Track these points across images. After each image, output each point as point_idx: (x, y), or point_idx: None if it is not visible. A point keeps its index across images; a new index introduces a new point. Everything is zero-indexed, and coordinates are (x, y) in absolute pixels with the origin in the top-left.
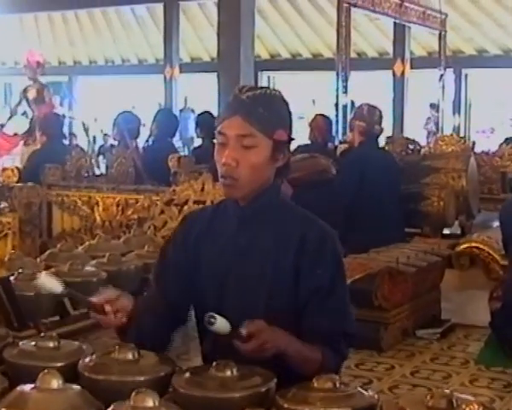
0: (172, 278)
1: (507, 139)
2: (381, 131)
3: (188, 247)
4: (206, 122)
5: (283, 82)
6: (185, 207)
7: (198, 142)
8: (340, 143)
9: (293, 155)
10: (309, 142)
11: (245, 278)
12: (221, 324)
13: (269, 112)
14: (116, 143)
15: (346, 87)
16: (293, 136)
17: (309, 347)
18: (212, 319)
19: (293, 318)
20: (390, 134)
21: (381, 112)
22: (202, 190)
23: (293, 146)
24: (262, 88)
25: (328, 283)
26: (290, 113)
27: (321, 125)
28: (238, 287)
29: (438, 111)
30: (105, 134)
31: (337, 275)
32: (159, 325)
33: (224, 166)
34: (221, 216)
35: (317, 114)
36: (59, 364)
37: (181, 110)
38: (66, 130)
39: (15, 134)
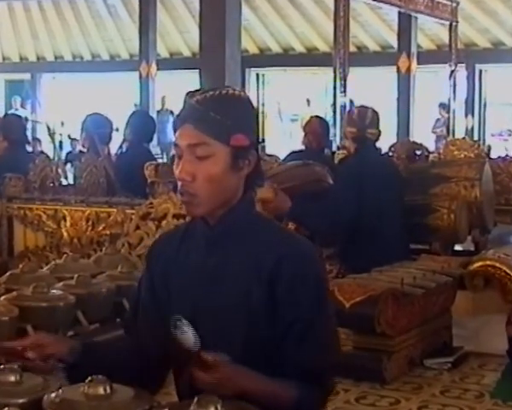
0: (143, 319)
1: None
2: (378, 134)
3: (156, 280)
4: None
5: (274, 80)
6: (163, 222)
7: None
8: (339, 149)
9: (284, 163)
10: (303, 147)
11: (216, 309)
12: (189, 336)
13: (222, 115)
14: (85, 149)
15: (344, 85)
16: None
17: (282, 385)
18: (179, 323)
19: (275, 353)
20: (394, 138)
21: (375, 113)
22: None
23: (285, 152)
24: (216, 89)
25: (307, 313)
26: (253, 113)
27: (316, 128)
28: (210, 320)
29: (448, 112)
30: (73, 139)
31: (318, 303)
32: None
33: (179, 182)
34: (190, 237)
35: (311, 117)
36: (20, 400)
37: (158, 111)
38: (29, 135)
39: None
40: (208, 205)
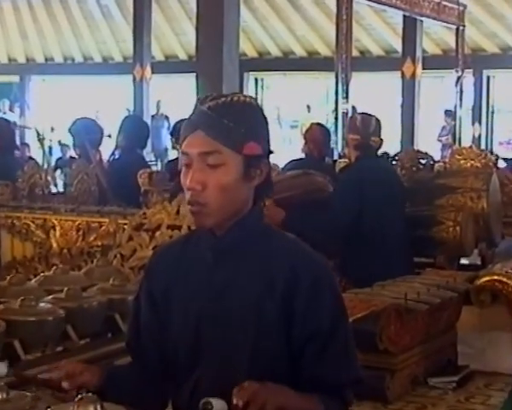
0: (144, 340)
1: None
2: (380, 143)
3: (156, 297)
4: None
5: (274, 84)
6: (157, 233)
7: (173, 154)
8: (340, 157)
9: (283, 172)
10: (303, 155)
11: (223, 326)
12: (218, 407)
13: (236, 123)
14: (76, 155)
15: (346, 91)
16: (277, 147)
17: (309, 398)
18: (209, 406)
19: (285, 368)
20: (398, 146)
21: (378, 121)
22: (177, 212)
23: (284, 160)
24: (228, 95)
25: (327, 326)
26: (265, 122)
27: (317, 136)
28: (215, 338)
29: (454, 119)
30: (63, 145)
31: (337, 315)
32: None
33: (189, 191)
34: (193, 250)
35: (312, 123)
36: None
37: (153, 116)
38: (17, 140)
39: None
40: (219, 215)
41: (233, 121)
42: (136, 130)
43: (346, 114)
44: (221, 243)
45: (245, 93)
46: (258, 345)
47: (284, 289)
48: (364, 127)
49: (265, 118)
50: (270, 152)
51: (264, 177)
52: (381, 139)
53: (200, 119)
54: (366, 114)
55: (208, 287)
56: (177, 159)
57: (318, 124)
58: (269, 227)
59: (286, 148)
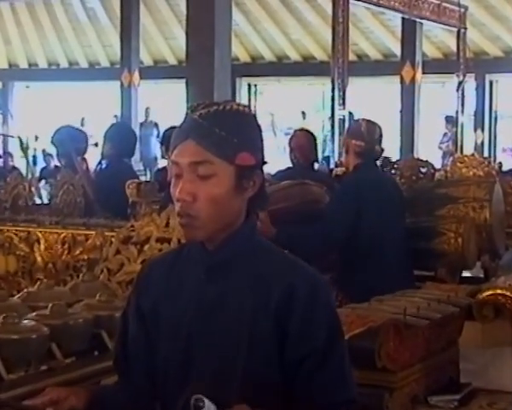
0: (131, 356)
1: None
2: (382, 152)
3: (145, 312)
4: None
5: (267, 90)
6: (146, 247)
7: (163, 163)
8: (337, 165)
9: (274, 182)
10: (290, 164)
11: (215, 343)
12: (209, 407)
13: (228, 132)
14: (61, 164)
15: (343, 97)
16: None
17: None
18: (201, 403)
19: (278, 387)
20: (397, 154)
21: (381, 129)
22: (167, 225)
23: (279, 169)
24: (220, 104)
25: (322, 345)
26: (259, 131)
27: (302, 142)
28: (205, 357)
29: (456, 126)
30: (47, 154)
31: (333, 334)
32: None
33: (178, 203)
34: (183, 264)
35: (296, 130)
36: None
37: (141, 124)
38: None
39: None
40: (209, 228)
41: (225, 130)
42: (122, 138)
43: (343, 120)
44: (212, 258)
45: (237, 99)
46: (250, 365)
47: (278, 307)
48: (369, 134)
49: (259, 127)
50: (264, 163)
51: (258, 188)
52: (383, 149)
53: (191, 127)
54: (370, 121)
55: (199, 303)
56: (166, 168)
57: (302, 130)
58: (262, 241)
59: (280, 156)
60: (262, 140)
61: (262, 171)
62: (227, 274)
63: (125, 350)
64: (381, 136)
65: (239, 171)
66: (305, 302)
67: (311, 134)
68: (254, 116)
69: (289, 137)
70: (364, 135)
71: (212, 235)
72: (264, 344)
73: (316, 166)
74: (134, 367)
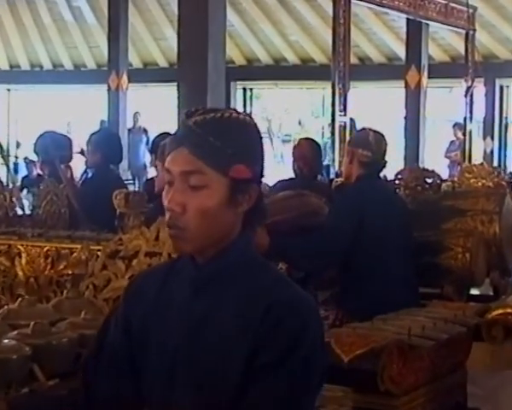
0: (110, 363)
1: None
2: (385, 165)
3: (132, 325)
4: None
5: (264, 95)
6: (134, 262)
7: (153, 172)
8: (337, 176)
9: (272, 193)
10: (293, 174)
11: (198, 363)
12: None
13: (223, 142)
14: (44, 173)
15: (344, 103)
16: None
17: None
18: None
19: None
20: (401, 163)
21: (386, 142)
22: (157, 238)
23: (275, 179)
24: (219, 111)
25: (282, 363)
26: (258, 142)
27: (306, 152)
28: (191, 375)
29: (464, 133)
30: (30, 161)
31: (300, 364)
32: None
33: (168, 213)
34: (174, 279)
35: (300, 139)
36: None
37: (130, 130)
38: None
39: None
40: (198, 242)
41: (220, 140)
42: (109, 145)
43: (344, 127)
44: (201, 273)
45: (232, 104)
46: (235, 388)
47: (258, 328)
48: (377, 144)
49: (261, 138)
50: (261, 176)
51: (254, 202)
52: (386, 161)
53: (185, 134)
54: (376, 131)
55: (186, 320)
56: (156, 177)
57: (307, 139)
58: (257, 257)
59: (277, 165)
60: (262, 152)
61: (260, 185)
62: (214, 290)
63: (99, 358)
64: (386, 148)
65: (233, 184)
66: (277, 319)
67: (316, 143)
68: (255, 126)
69: (293, 146)
70: (372, 145)
71: (202, 248)
72: (241, 370)
73: (319, 178)
74: (105, 378)
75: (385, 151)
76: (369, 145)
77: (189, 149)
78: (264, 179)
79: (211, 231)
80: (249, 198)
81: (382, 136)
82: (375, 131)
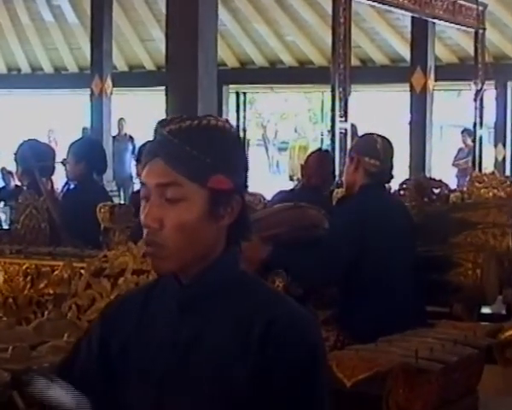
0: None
1: None
2: (392, 176)
3: (110, 349)
4: None
5: (259, 100)
6: (121, 280)
7: (140, 183)
8: (338, 186)
9: (271, 204)
10: (296, 184)
11: (189, 391)
12: None
13: (200, 151)
14: (23, 184)
15: (345, 108)
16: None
17: None
18: None
19: None
20: (406, 173)
21: (393, 150)
22: (145, 255)
23: (270, 189)
24: (196, 118)
25: (295, 391)
26: (239, 150)
27: (309, 163)
28: (178, 406)
29: (474, 140)
30: (7, 172)
31: (310, 380)
32: None
33: (145, 229)
34: (157, 300)
35: (312, 152)
36: None
37: (115, 138)
38: None
39: None
40: (178, 260)
41: (197, 149)
42: (90, 154)
43: (345, 134)
44: (186, 293)
45: (225, 110)
46: None
47: (259, 344)
48: (385, 153)
49: (242, 146)
50: (247, 186)
51: (237, 215)
52: (392, 172)
53: (160, 145)
54: (385, 137)
55: (172, 346)
56: None
57: (319, 150)
58: (246, 274)
59: (273, 175)
60: (245, 161)
61: (243, 196)
62: (203, 312)
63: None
64: (393, 157)
65: (213, 195)
66: (282, 339)
67: (327, 156)
68: (236, 133)
69: (294, 151)
70: (380, 153)
71: (183, 267)
72: (243, 391)
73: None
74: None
75: (392, 160)
76: (376, 153)
77: (164, 160)
78: (259, 190)
79: (191, 248)
80: (231, 211)
81: (390, 143)
82: (383, 138)
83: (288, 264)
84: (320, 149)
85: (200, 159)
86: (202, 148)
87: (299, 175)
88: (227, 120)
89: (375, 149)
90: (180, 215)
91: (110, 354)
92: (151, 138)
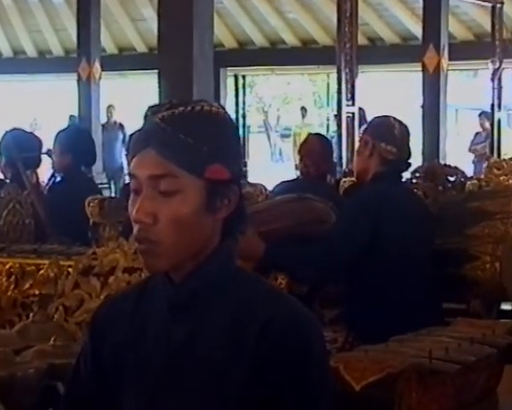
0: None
1: None
2: (410, 164)
3: (103, 361)
4: None
5: (259, 83)
6: (111, 279)
7: None
8: (345, 175)
9: (272, 196)
10: (298, 175)
11: (183, 396)
12: None
13: (196, 139)
14: (5, 177)
15: (352, 90)
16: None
17: None
18: None
19: None
20: (419, 159)
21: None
22: (136, 252)
23: (273, 179)
24: (188, 104)
25: (297, 396)
26: (235, 137)
27: (314, 149)
28: None
29: (491, 123)
30: None
31: (314, 382)
32: None
33: (136, 225)
34: (148, 302)
35: (309, 134)
36: None
37: (104, 126)
38: None
39: None
40: (173, 256)
41: (193, 137)
42: (77, 144)
43: (352, 118)
44: (178, 292)
45: (222, 94)
46: None
47: (256, 347)
48: (403, 139)
49: (237, 133)
50: (243, 175)
51: (234, 207)
52: (409, 160)
53: (152, 133)
54: (401, 121)
55: (165, 349)
56: None
57: (317, 134)
58: (242, 270)
59: (275, 164)
60: (239, 149)
61: (239, 186)
62: (196, 311)
63: (72, 398)
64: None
65: (210, 186)
66: (281, 339)
67: (327, 140)
68: (230, 119)
69: (299, 140)
70: (398, 139)
71: (178, 264)
72: (238, 396)
73: (328, 177)
74: None
75: (409, 148)
76: (394, 139)
77: (156, 150)
78: (260, 180)
79: (187, 243)
80: (229, 202)
81: (407, 128)
82: (400, 122)
83: (284, 264)
84: (316, 134)
85: (196, 147)
86: (198, 136)
87: (300, 164)
88: (221, 105)
89: (392, 134)
90: (175, 209)
91: (103, 366)
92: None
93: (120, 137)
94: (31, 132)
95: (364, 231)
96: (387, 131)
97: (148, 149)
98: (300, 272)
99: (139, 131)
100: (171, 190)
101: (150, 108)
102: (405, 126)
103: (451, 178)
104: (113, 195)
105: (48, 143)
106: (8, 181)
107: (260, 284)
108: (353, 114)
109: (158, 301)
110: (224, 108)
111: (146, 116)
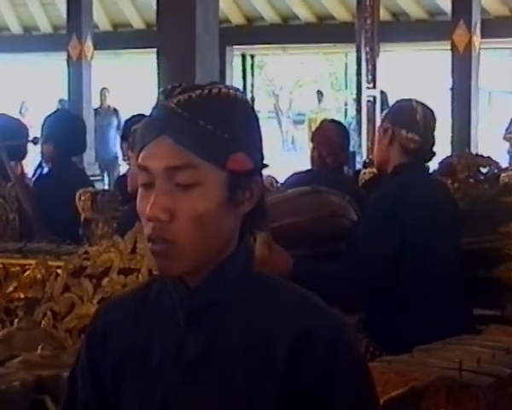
0: None
1: None
2: (434, 153)
3: (102, 373)
4: None
5: (269, 63)
6: (105, 281)
7: (126, 165)
8: (365, 166)
9: (283, 189)
10: (311, 165)
11: None
12: None
13: (216, 125)
14: None
15: (373, 71)
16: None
17: None
18: None
19: None
20: (448, 148)
21: (435, 119)
22: (133, 251)
23: (285, 171)
24: (205, 86)
25: None
26: (257, 123)
27: (330, 137)
28: None
29: None
30: None
31: (362, 398)
32: None
33: (149, 223)
34: (154, 308)
35: (323, 121)
36: None
37: (96, 110)
38: None
39: None
40: (192, 258)
41: (213, 123)
42: (67, 131)
43: (373, 103)
44: (195, 298)
45: (228, 75)
46: None
47: (288, 364)
48: (427, 126)
49: (257, 118)
50: (264, 166)
51: (257, 202)
52: (434, 149)
53: (167, 120)
54: (426, 106)
55: (178, 363)
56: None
57: (332, 121)
58: (263, 275)
59: (287, 153)
60: (260, 136)
61: (261, 178)
62: (215, 320)
63: None
64: (434, 129)
65: (232, 178)
66: (323, 356)
67: (344, 127)
68: (249, 103)
69: (312, 130)
70: (420, 126)
71: (196, 267)
72: None
73: (346, 170)
74: None
75: (434, 134)
76: (416, 126)
77: (173, 139)
78: (270, 171)
79: (208, 243)
80: (251, 195)
81: (432, 113)
82: (423, 106)
83: (314, 281)
84: (332, 121)
85: (217, 135)
86: (218, 122)
87: (314, 154)
88: (237, 88)
89: (413, 120)
90: (196, 204)
91: (102, 383)
92: (141, 111)
93: (115, 123)
94: (17, 119)
95: (393, 238)
96: (408, 117)
97: (163, 137)
98: (330, 291)
99: (149, 117)
100: (190, 182)
101: (163, 92)
102: (430, 110)
103: (484, 170)
104: (106, 187)
105: (35, 130)
106: None
107: (289, 288)
108: (374, 97)
109: (167, 309)
110: (241, 91)
111: (159, 101)
